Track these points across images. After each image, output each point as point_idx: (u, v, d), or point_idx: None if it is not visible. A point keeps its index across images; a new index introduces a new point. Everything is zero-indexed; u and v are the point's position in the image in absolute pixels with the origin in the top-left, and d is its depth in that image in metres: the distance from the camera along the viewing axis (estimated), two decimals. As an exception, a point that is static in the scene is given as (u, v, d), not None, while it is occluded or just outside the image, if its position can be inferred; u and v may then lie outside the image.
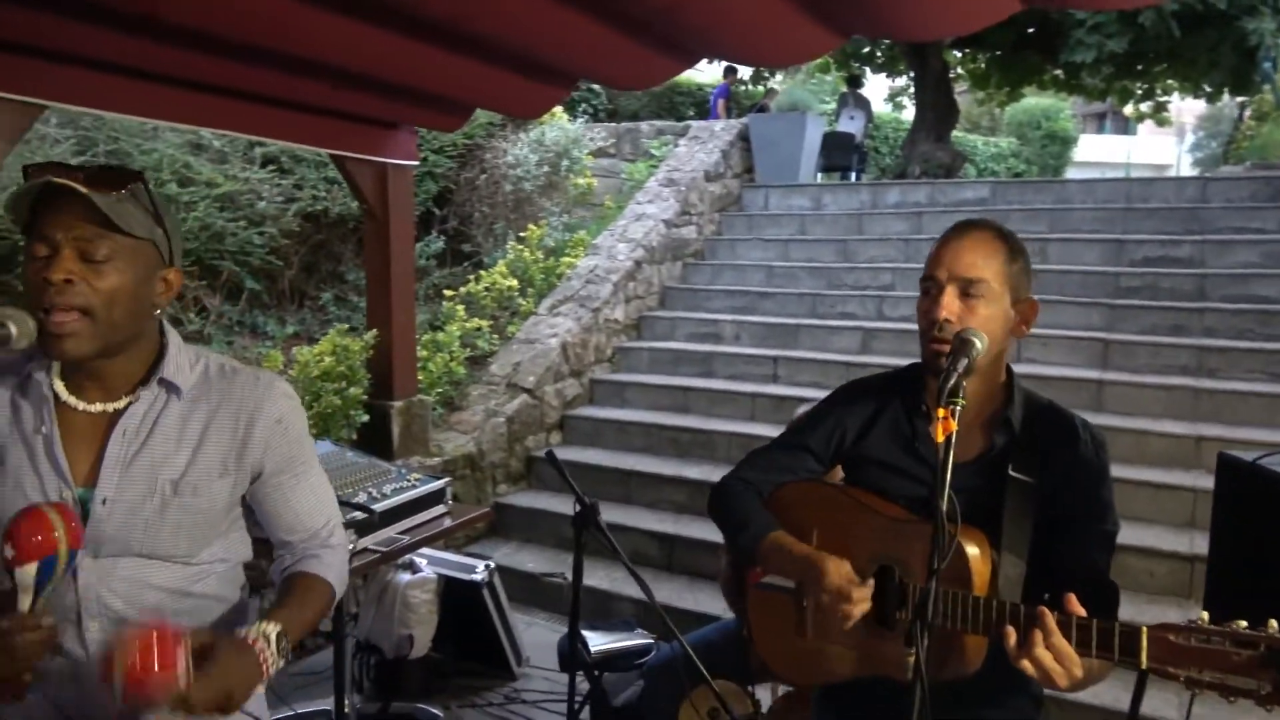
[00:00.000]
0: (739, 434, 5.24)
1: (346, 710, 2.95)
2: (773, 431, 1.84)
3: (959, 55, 11.93)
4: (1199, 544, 3.90)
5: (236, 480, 1.39)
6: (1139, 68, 10.56)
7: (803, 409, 2.17)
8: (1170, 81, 11.33)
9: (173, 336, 1.39)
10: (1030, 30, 10.28)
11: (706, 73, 15.86)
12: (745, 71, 13.68)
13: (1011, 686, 1.53)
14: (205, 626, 1.37)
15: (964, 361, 1.37)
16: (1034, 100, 18.23)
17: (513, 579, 4.41)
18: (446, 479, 3.31)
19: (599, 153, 9.05)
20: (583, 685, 2.95)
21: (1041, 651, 1.25)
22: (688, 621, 3.51)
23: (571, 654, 2.72)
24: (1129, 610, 3.57)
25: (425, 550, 3.50)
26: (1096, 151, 25.27)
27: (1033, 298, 1.57)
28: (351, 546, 2.85)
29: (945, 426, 1.28)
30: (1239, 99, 15.10)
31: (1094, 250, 6.45)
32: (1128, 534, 2.64)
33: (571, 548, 2.58)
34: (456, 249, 7.61)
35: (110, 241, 1.23)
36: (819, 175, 9.89)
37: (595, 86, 11.81)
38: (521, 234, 7.13)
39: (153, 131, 5.59)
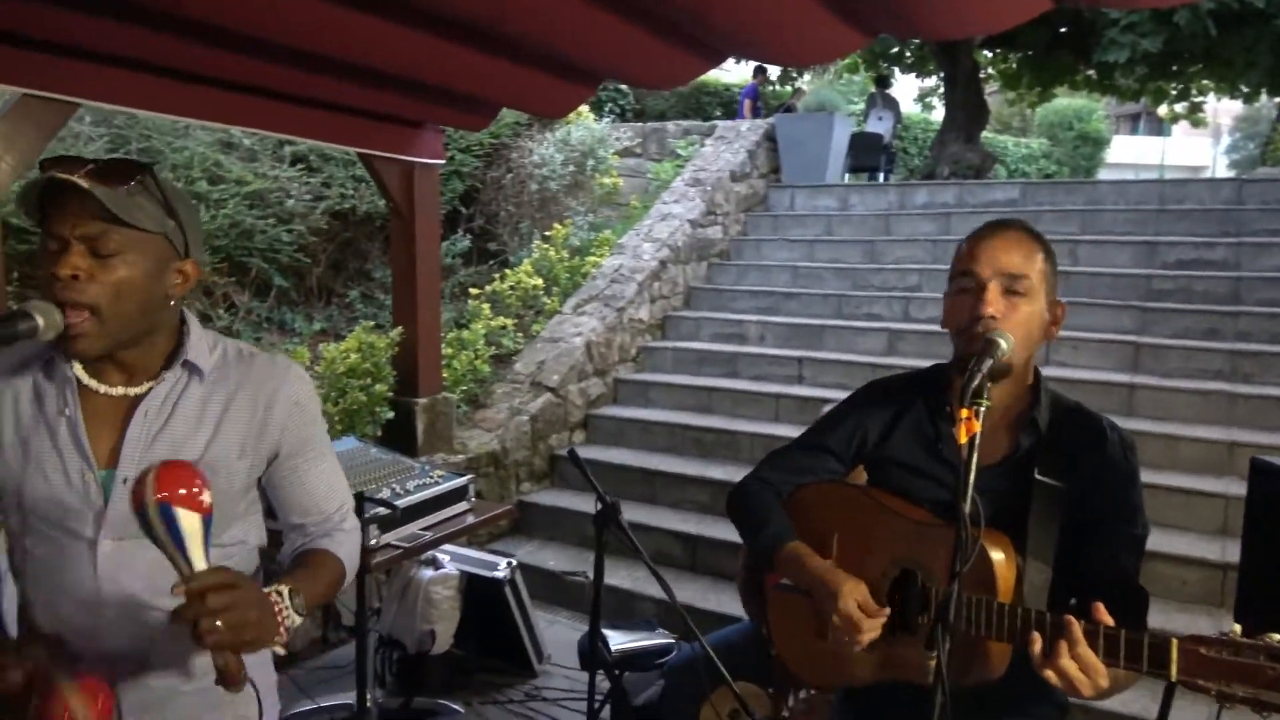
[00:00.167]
0: (763, 435, 5.22)
1: (369, 705, 2.96)
2: (797, 433, 1.83)
3: (990, 55, 11.81)
4: (1231, 552, 3.84)
5: (254, 462, 1.41)
6: (1174, 68, 10.40)
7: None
8: (1206, 82, 11.15)
9: (193, 323, 1.40)
10: (1063, 30, 10.15)
11: (734, 73, 15.88)
12: (774, 72, 13.63)
13: (1036, 693, 1.51)
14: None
15: (988, 362, 1.35)
16: (1066, 101, 18.03)
17: (535, 577, 4.42)
18: (470, 476, 3.32)
19: (625, 152, 9.06)
20: (603, 684, 2.94)
21: (1067, 661, 1.23)
22: (710, 623, 3.49)
23: (592, 652, 2.72)
24: (1158, 618, 3.52)
25: (448, 547, 3.52)
26: (1130, 153, 24.92)
27: (1060, 300, 1.55)
28: (375, 542, 2.87)
29: (969, 427, 1.26)
30: (1277, 99, 14.81)
31: (1126, 252, 6.36)
32: (1158, 540, 2.59)
33: (594, 547, 2.58)
34: (482, 247, 7.64)
35: (118, 236, 1.24)
36: (846, 176, 9.83)
37: (622, 86, 11.82)
38: (547, 233, 7.15)
39: (184, 130, 5.67)
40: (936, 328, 1.86)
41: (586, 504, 4.80)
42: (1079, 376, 5.10)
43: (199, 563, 1.15)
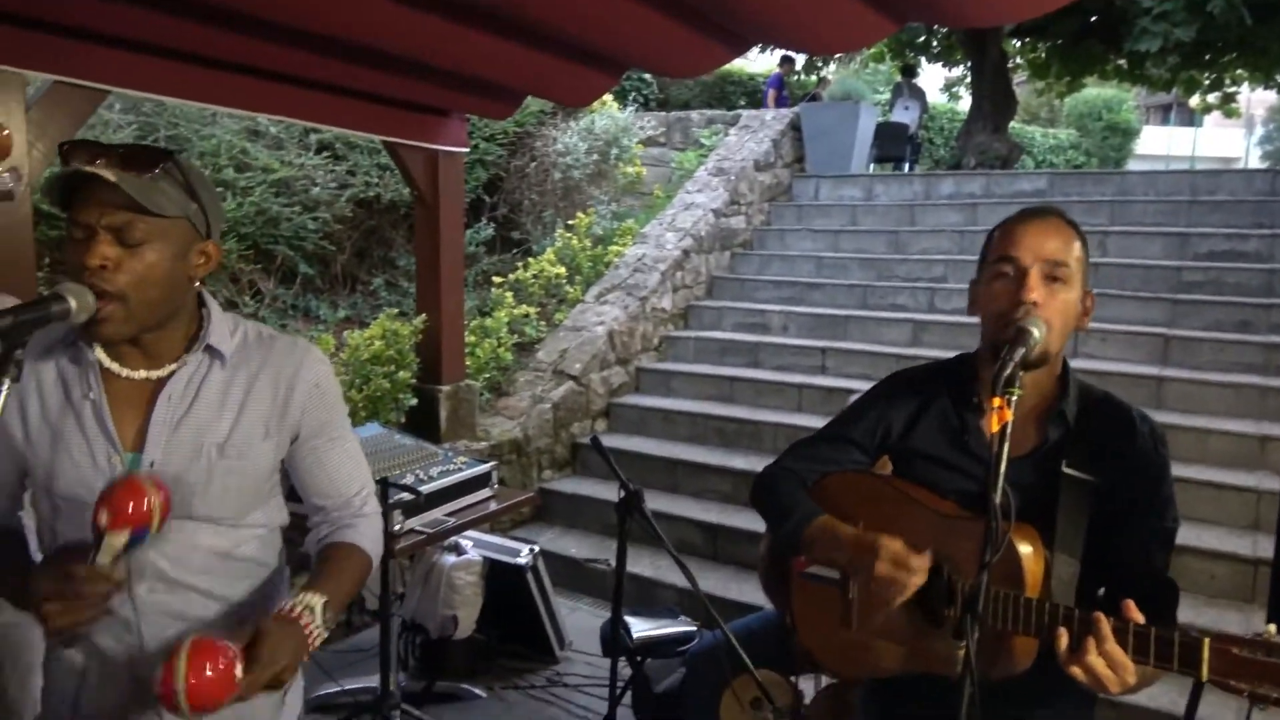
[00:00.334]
0: (786, 425, 5.21)
1: (391, 688, 3.00)
2: (820, 423, 1.82)
3: (1018, 44, 11.67)
4: (1262, 546, 3.80)
5: (278, 443, 1.43)
6: (1207, 57, 10.22)
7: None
8: (1240, 71, 10.97)
9: (213, 305, 1.42)
10: (1093, 18, 10.01)
11: (758, 62, 15.76)
12: (800, 61, 13.53)
13: (1062, 687, 1.49)
14: (246, 599, 1.40)
15: (1020, 350, 1.33)
16: (1095, 91, 17.72)
17: (556, 564, 4.44)
18: (492, 463, 3.34)
19: (649, 141, 9.03)
20: (625, 671, 2.95)
21: (1094, 658, 1.22)
22: (731, 612, 3.48)
23: (614, 639, 2.73)
24: (1187, 613, 3.49)
25: (470, 533, 3.54)
26: (1160, 144, 24.49)
27: (1090, 290, 1.53)
28: (399, 527, 2.90)
29: (1001, 416, 1.24)
30: (1313, 90, 14.53)
31: (1156, 244, 6.27)
32: (1188, 534, 2.56)
33: (615, 535, 2.59)
34: (506, 236, 7.66)
35: (144, 224, 1.25)
36: (871, 166, 9.75)
37: (646, 76, 11.77)
38: (570, 222, 7.15)
39: (211, 117, 5.71)
40: (962, 319, 1.84)
41: (608, 492, 4.81)
42: (1107, 369, 5.04)
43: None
